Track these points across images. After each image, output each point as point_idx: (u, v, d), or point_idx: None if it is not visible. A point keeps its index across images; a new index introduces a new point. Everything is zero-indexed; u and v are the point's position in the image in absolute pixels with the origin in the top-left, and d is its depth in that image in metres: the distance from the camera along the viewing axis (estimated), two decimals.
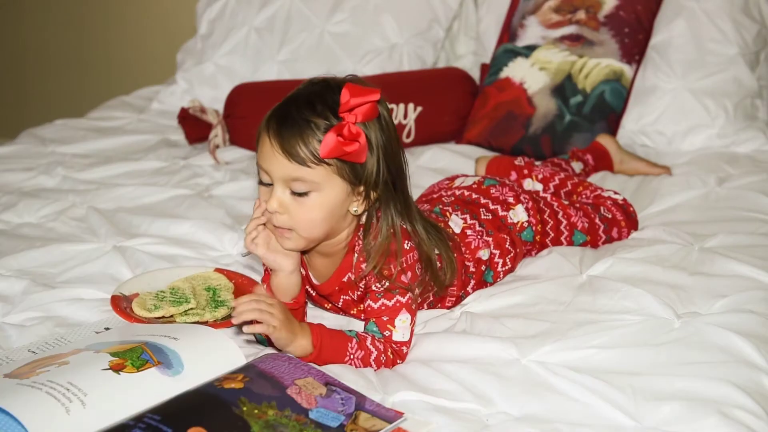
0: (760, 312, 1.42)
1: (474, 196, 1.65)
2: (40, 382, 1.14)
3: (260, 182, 1.37)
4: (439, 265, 1.44)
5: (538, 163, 2.00)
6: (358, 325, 1.45)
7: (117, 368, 1.18)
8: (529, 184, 1.89)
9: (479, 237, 1.57)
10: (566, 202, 1.75)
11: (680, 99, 2.33)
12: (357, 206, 1.36)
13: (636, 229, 1.80)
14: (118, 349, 1.23)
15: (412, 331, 1.38)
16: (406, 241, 1.38)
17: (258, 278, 1.61)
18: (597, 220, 1.74)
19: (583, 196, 1.85)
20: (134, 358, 1.21)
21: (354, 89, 1.30)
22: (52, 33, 3.69)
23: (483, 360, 1.31)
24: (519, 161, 1.95)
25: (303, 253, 1.43)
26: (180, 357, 1.23)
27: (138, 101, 2.81)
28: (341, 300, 1.47)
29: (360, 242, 1.39)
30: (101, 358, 1.21)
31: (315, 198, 1.33)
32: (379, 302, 1.37)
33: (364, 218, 1.39)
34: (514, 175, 1.92)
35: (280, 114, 1.33)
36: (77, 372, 1.17)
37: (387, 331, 1.36)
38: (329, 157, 1.30)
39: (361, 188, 1.35)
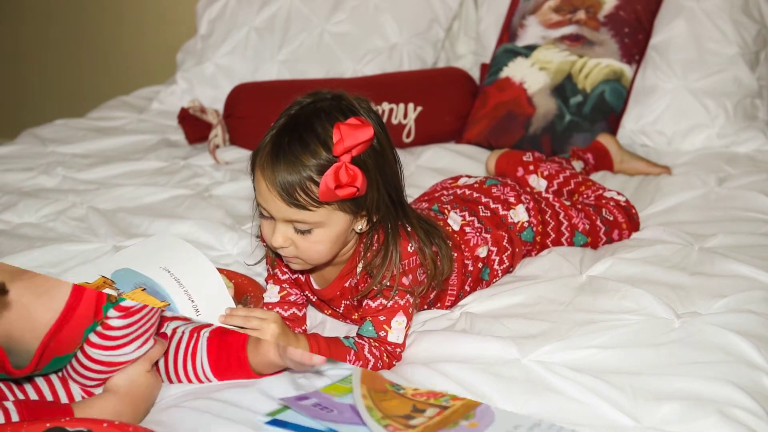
0: (760, 312, 1.42)
1: (475, 195, 1.65)
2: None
3: (261, 215, 1.35)
4: (437, 261, 1.43)
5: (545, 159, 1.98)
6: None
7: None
8: (534, 180, 1.88)
9: (478, 234, 1.56)
10: (568, 203, 1.74)
11: (680, 99, 2.33)
12: (361, 225, 1.36)
13: (637, 230, 1.80)
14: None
15: (406, 335, 1.38)
16: (409, 245, 1.38)
17: (258, 279, 1.61)
18: (598, 222, 1.74)
19: (585, 196, 1.84)
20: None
21: (346, 130, 1.25)
22: (52, 33, 3.69)
23: (483, 360, 1.31)
24: (527, 157, 1.92)
25: None
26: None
27: (138, 101, 2.81)
28: (342, 305, 1.47)
29: (362, 254, 1.38)
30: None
31: (319, 233, 1.32)
32: (378, 301, 1.37)
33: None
34: (521, 171, 1.91)
35: (273, 153, 1.28)
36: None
37: (382, 332, 1.36)
38: (329, 200, 1.28)
39: (364, 212, 1.34)
